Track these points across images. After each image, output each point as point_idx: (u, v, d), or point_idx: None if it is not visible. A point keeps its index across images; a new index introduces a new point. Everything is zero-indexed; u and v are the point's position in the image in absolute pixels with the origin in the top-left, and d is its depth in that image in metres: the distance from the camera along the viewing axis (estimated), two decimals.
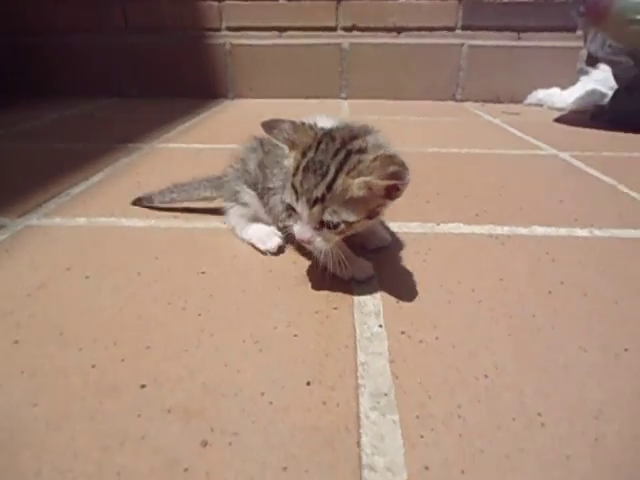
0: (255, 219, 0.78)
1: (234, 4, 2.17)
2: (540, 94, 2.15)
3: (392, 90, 2.28)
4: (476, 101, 2.26)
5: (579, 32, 1.98)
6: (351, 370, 0.48)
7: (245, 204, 0.76)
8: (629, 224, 0.84)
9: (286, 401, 0.44)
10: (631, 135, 1.55)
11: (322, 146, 0.56)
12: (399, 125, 1.72)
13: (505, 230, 0.82)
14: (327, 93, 2.30)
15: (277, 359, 0.50)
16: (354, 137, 0.57)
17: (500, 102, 2.24)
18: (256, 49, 2.24)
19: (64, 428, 0.41)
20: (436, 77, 2.24)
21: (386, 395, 0.45)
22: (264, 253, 0.73)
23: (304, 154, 0.56)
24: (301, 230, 0.56)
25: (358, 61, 2.24)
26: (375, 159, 0.53)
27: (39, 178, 1.07)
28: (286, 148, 0.59)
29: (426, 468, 0.38)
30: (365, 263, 0.66)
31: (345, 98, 2.31)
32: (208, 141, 1.45)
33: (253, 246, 0.75)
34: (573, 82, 2.08)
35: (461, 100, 2.27)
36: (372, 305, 0.60)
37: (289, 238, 0.68)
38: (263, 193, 0.73)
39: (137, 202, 0.91)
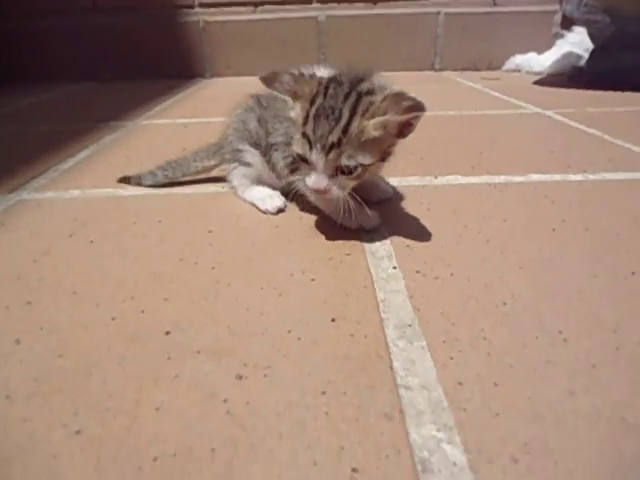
0: (259, 181, 0.76)
1: None
2: (518, 59, 2.17)
3: (371, 62, 2.23)
4: (455, 70, 2.27)
5: None
6: (373, 306, 0.49)
7: (248, 164, 0.74)
8: (620, 168, 0.86)
9: (314, 336, 0.45)
10: (611, 93, 1.58)
11: (330, 91, 0.55)
12: None
13: (502, 179, 0.83)
14: None
15: (298, 301, 0.50)
16: (361, 80, 0.57)
17: (478, 70, 2.26)
18: (231, 25, 2.19)
19: (94, 374, 0.41)
20: (414, 47, 2.24)
21: (410, 326, 0.46)
22: (264, 213, 0.73)
23: (312, 102, 0.55)
24: (316, 180, 0.55)
25: (335, 34, 2.21)
26: (384, 99, 0.53)
27: (25, 157, 1.03)
28: (289, 100, 0.59)
29: (460, 383, 0.39)
30: (372, 212, 0.66)
31: None
32: (193, 115, 1.42)
33: (254, 206, 0.74)
34: (549, 46, 2.10)
35: (440, 69, 2.28)
36: (383, 250, 0.61)
37: (294, 196, 0.67)
38: (267, 150, 0.72)
39: (124, 180, 0.86)
